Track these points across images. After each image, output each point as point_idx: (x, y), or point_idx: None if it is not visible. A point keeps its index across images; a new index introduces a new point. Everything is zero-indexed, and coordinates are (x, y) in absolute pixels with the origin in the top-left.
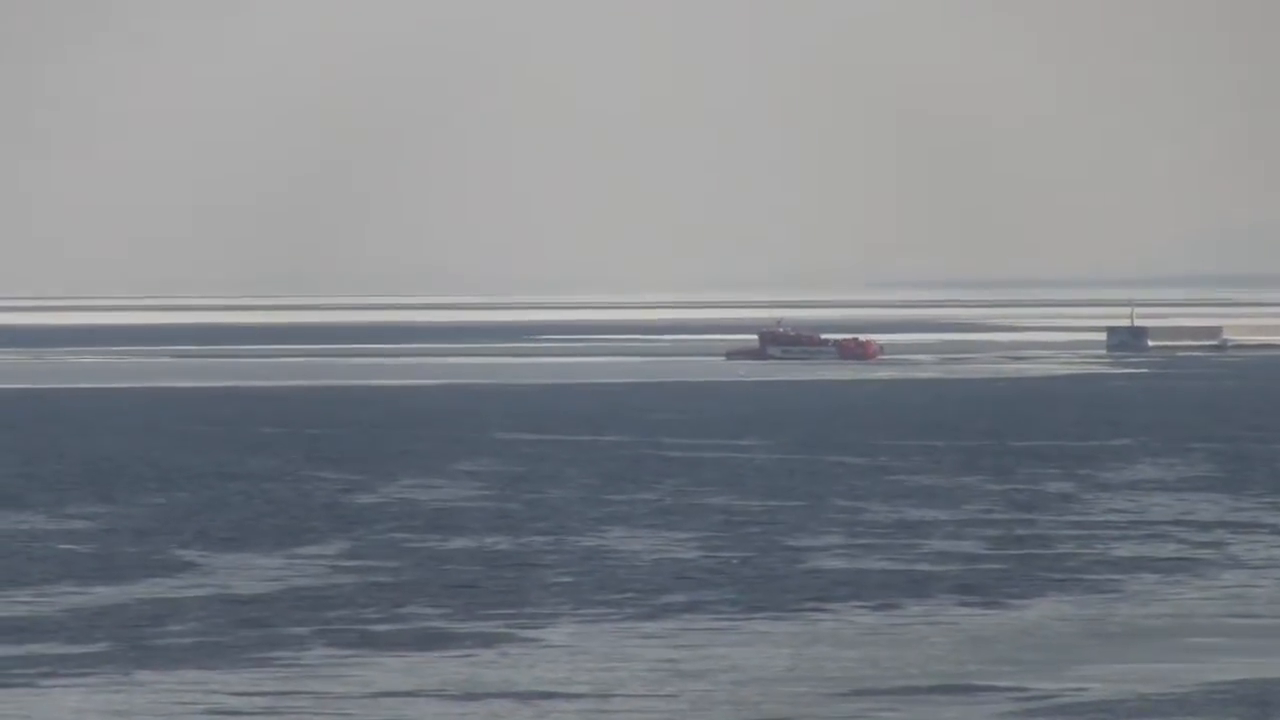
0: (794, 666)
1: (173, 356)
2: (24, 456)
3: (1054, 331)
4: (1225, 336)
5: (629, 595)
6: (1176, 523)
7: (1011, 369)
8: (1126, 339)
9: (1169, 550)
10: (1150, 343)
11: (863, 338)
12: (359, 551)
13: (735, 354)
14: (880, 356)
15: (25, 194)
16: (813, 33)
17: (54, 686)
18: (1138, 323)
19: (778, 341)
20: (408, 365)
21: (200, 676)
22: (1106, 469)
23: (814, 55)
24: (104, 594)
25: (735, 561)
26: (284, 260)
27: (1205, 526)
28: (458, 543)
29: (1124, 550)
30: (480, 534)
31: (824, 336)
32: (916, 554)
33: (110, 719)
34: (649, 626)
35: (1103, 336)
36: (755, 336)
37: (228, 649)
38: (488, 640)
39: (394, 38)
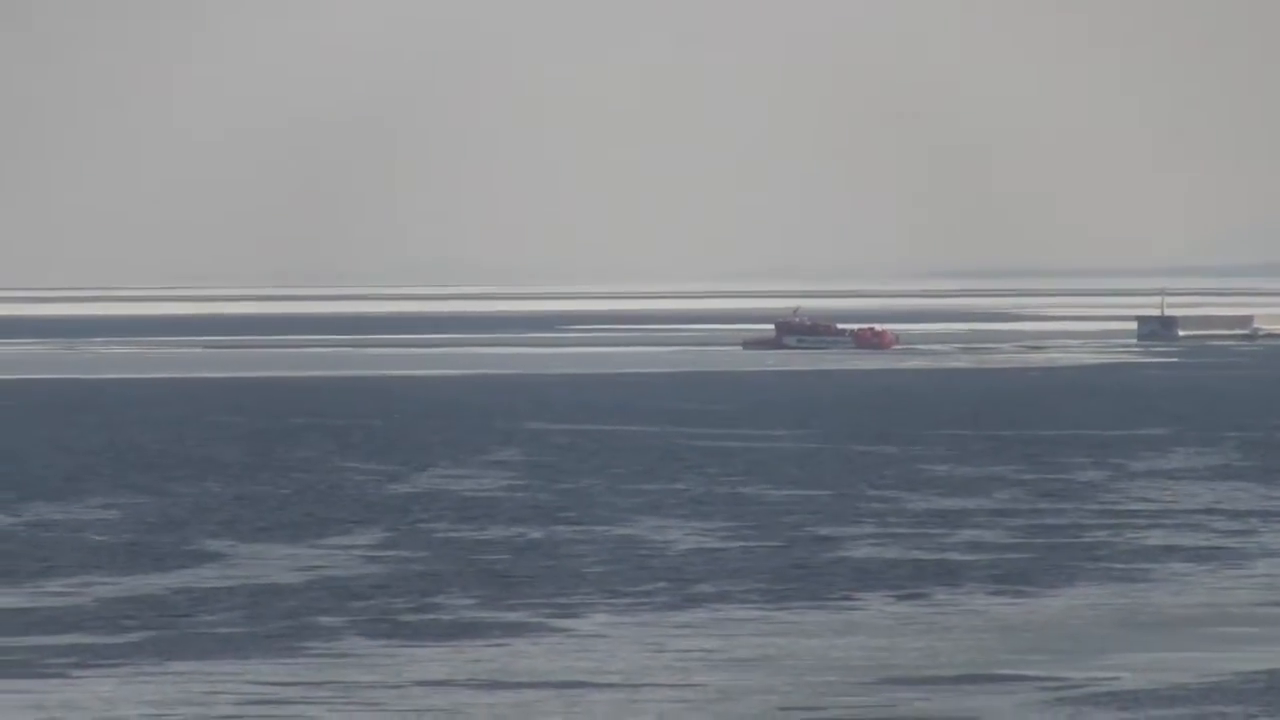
0: (824, 656)
1: (203, 347)
2: (57, 448)
3: (1083, 321)
4: (1256, 325)
5: (660, 585)
6: (1208, 511)
7: (1041, 359)
8: (1157, 328)
9: (1200, 539)
10: (1181, 332)
11: (878, 327)
12: (391, 541)
13: (752, 344)
14: (896, 346)
15: (54, 188)
16: (826, 25)
17: (87, 676)
18: (1168, 312)
19: (794, 331)
20: (437, 356)
21: (233, 666)
22: (1137, 458)
23: (827, 48)
24: (137, 584)
25: (764, 551)
26: (312, 252)
27: (1236, 515)
28: (489, 532)
29: (1155, 539)
30: (511, 524)
31: (840, 326)
32: (947, 543)
33: (143, 709)
34: (680, 616)
35: (1133, 326)
36: (771, 326)
37: (260, 639)
38: (519, 630)
39: (416, 32)
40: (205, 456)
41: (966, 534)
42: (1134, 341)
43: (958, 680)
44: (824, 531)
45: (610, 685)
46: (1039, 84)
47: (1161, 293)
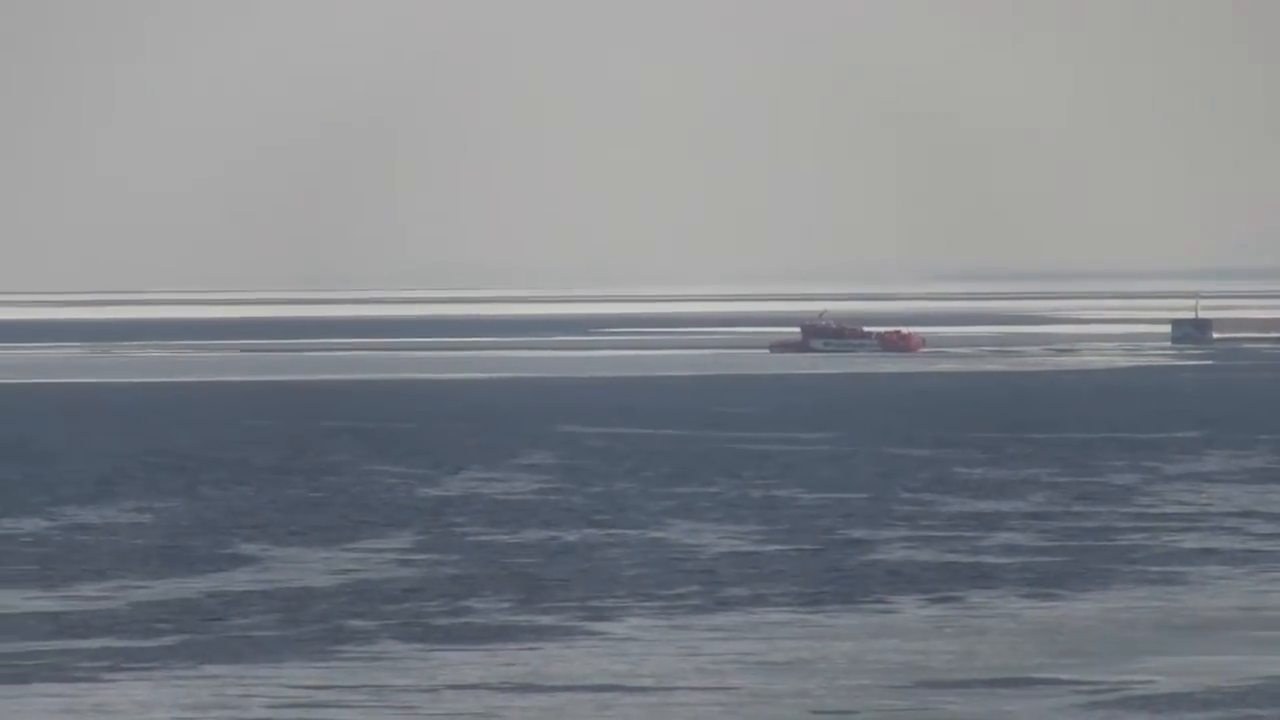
0: (858, 659)
1: (236, 350)
2: (90, 451)
3: (1117, 324)
4: None
5: (693, 588)
6: (1244, 515)
7: (1074, 361)
8: (1191, 331)
9: (1236, 542)
10: (1215, 335)
11: (905, 330)
12: (424, 545)
13: (778, 347)
14: (923, 349)
15: (81, 191)
16: (827, 25)
17: (120, 680)
18: (1202, 314)
19: (820, 334)
20: (467, 359)
21: (267, 670)
22: (1172, 461)
23: (843, 51)
24: (170, 587)
25: (800, 554)
26: (342, 255)
27: (1272, 518)
28: (522, 536)
29: (1190, 542)
30: (544, 527)
31: (866, 329)
32: (981, 546)
33: (176, 712)
34: (713, 619)
35: (1167, 329)
36: (798, 329)
37: (294, 642)
38: (552, 633)
39: (431, 34)
40: (238, 460)
41: (1001, 537)
42: (1168, 344)
43: (992, 684)
44: (857, 534)
45: (643, 689)
46: (1063, 84)
47: (1195, 295)
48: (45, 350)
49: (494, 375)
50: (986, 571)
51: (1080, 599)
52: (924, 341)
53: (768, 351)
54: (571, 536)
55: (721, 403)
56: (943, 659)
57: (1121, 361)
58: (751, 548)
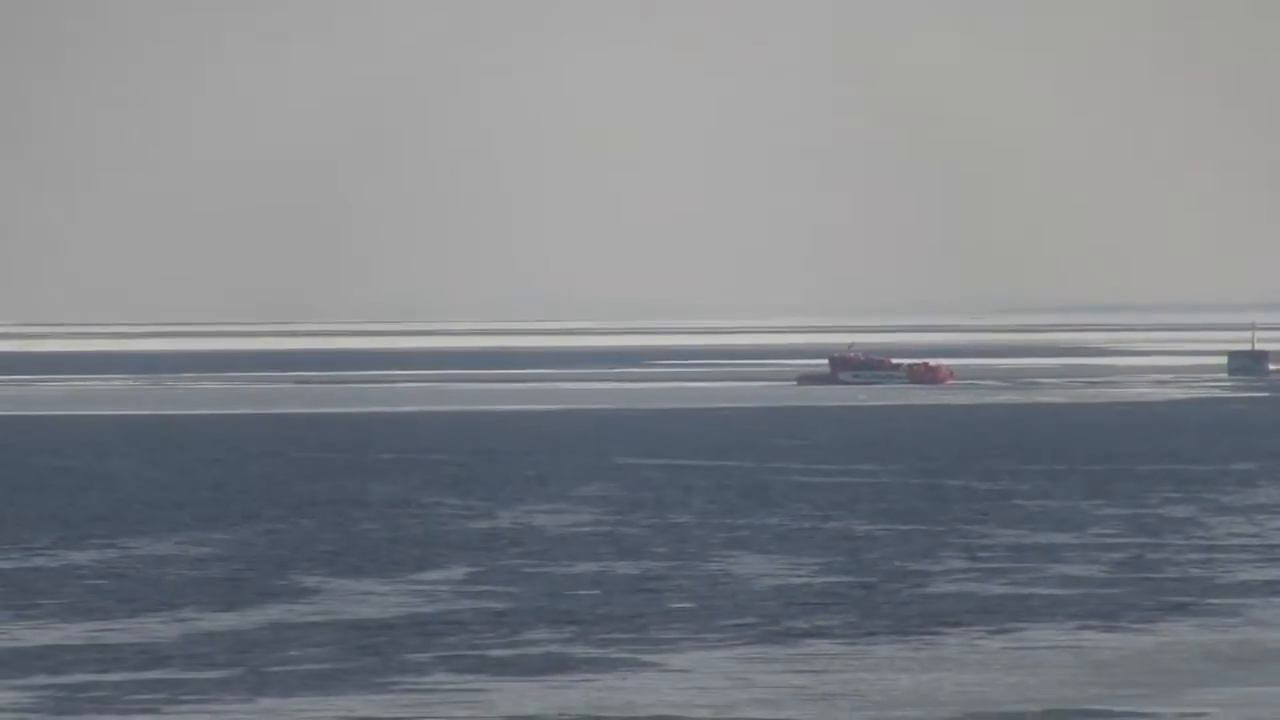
0: (913, 690)
1: (292, 383)
2: (148, 483)
3: (1173, 355)
4: None
5: (749, 620)
6: None
7: (1131, 393)
8: (1247, 363)
9: None
10: (1272, 366)
11: (932, 362)
12: (479, 577)
13: (806, 379)
14: (950, 381)
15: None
16: (878, 65)
17: (177, 713)
18: (1259, 346)
19: (848, 366)
20: (525, 391)
21: (322, 702)
22: (1228, 492)
23: (872, 89)
24: (227, 620)
25: (856, 586)
26: (400, 288)
27: None
28: (579, 568)
29: (1246, 574)
30: (601, 559)
31: (894, 361)
32: (1037, 577)
33: None
34: (769, 650)
35: (1223, 360)
36: (826, 361)
37: (349, 674)
38: (608, 665)
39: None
40: (295, 492)
41: (1057, 569)
42: (1224, 376)
43: (1046, 715)
44: (914, 566)
45: None
46: (1119, 112)
47: (1252, 327)
48: (97, 383)
49: (550, 407)
50: (1042, 603)
51: (1136, 631)
52: (951, 374)
53: (795, 384)
54: (628, 568)
55: (778, 435)
56: (999, 691)
57: (1178, 394)
58: (807, 579)
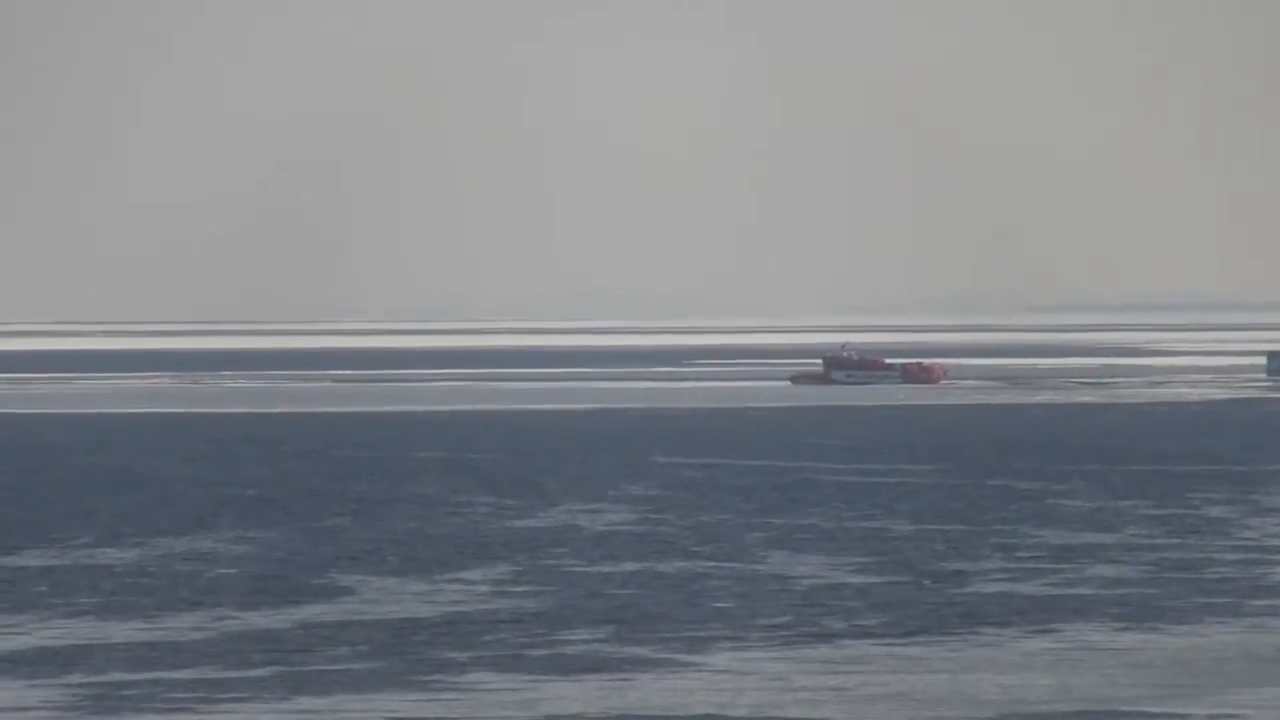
0: (953, 690)
1: (331, 381)
2: (185, 480)
3: (1211, 355)
4: None
5: (788, 619)
6: None
7: (1170, 393)
8: None
9: None
10: None
11: (926, 362)
12: (519, 576)
13: (800, 379)
14: (944, 381)
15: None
16: (883, 66)
17: (213, 712)
18: None
19: (842, 366)
20: (563, 390)
21: (359, 701)
22: (1270, 493)
23: (877, 89)
24: (265, 618)
25: (894, 586)
26: (436, 287)
27: None
28: (618, 567)
29: None
30: (640, 558)
31: (889, 361)
32: (1076, 578)
33: None
34: (808, 651)
35: (1263, 361)
36: (819, 361)
37: (387, 674)
38: (647, 664)
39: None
40: (334, 490)
41: (1096, 569)
42: (1264, 376)
43: (1085, 715)
44: (953, 566)
45: (737, 719)
46: (1151, 110)
47: None
48: (135, 380)
49: (588, 406)
50: (1082, 603)
51: (1176, 631)
52: (945, 373)
53: (789, 384)
54: (667, 567)
55: (811, 434)
56: (1038, 691)
57: (1217, 394)
58: (847, 579)
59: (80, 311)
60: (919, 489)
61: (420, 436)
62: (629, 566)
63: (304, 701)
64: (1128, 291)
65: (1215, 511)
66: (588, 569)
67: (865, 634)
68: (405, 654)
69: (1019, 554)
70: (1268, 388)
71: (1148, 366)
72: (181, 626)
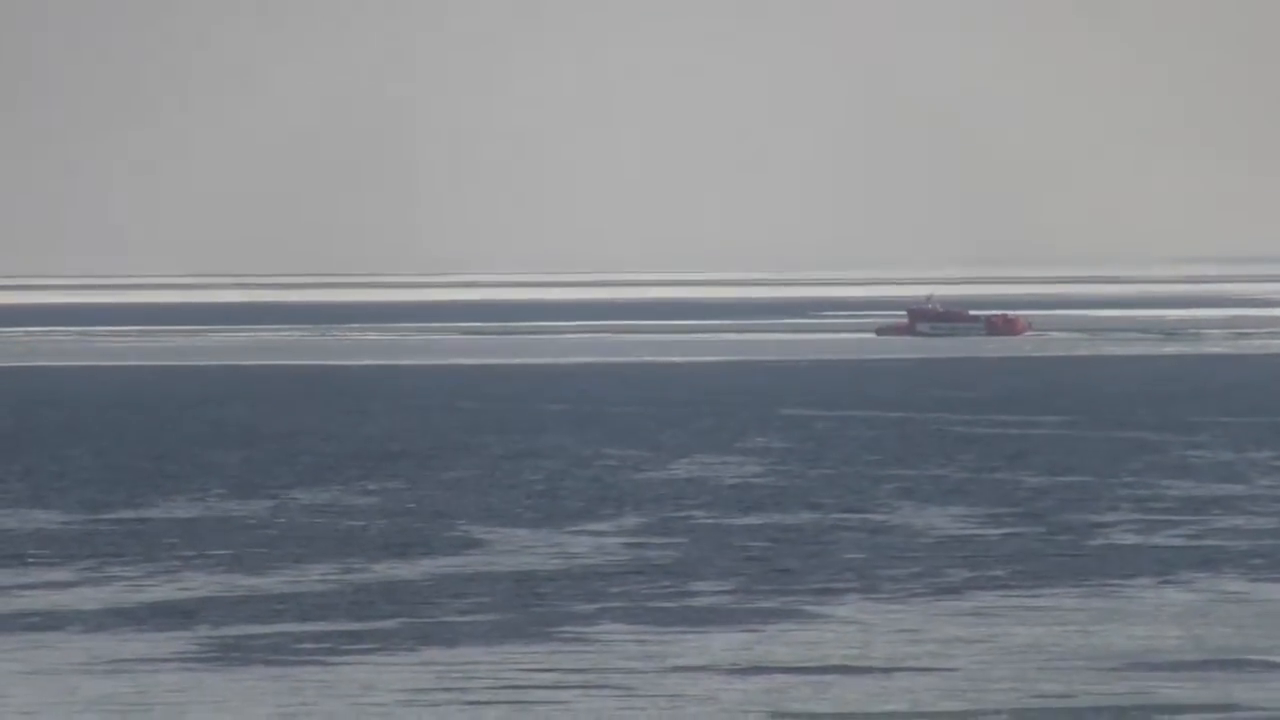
0: (1083, 642)
1: (460, 334)
2: (316, 434)
3: None
4: None
5: (917, 571)
6: None
7: (1261, 345)
8: None
9: None
10: None
11: (1010, 314)
12: (647, 528)
13: (885, 330)
14: (1028, 333)
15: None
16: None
17: (342, 663)
18: None
19: (926, 318)
20: (689, 342)
21: (487, 653)
22: None
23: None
24: (393, 571)
25: (1023, 537)
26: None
27: None
28: (746, 519)
29: None
30: (769, 510)
31: (972, 313)
32: (1208, 529)
33: (398, 695)
34: (938, 602)
35: None
36: (904, 313)
37: (514, 626)
38: (775, 616)
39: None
40: (463, 444)
41: (1228, 520)
42: None
43: (1216, 666)
44: (1083, 517)
45: (865, 670)
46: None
47: None
48: (265, 333)
49: (715, 358)
50: (1213, 555)
51: None
52: (1030, 325)
53: (875, 335)
54: (795, 519)
55: (940, 385)
56: (1168, 642)
57: None
58: (977, 530)
59: (207, 265)
60: (1046, 440)
61: (549, 389)
62: (758, 519)
63: (431, 653)
64: (1206, 246)
65: None
66: (717, 521)
67: (995, 585)
68: (533, 606)
69: (1150, 504)
70: None
71: (1238, 318)
72: (311, 579)
